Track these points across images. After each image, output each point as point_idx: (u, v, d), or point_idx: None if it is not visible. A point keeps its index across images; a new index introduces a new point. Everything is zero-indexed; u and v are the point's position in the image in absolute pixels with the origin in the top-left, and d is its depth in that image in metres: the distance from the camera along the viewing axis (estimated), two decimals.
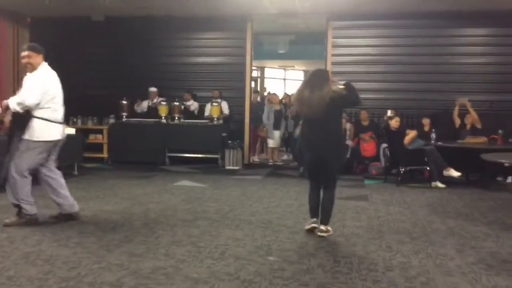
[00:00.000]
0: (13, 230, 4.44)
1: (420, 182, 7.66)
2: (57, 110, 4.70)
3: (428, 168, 7.47)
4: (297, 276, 3.39)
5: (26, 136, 4.49)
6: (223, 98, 10.01)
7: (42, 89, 4.49)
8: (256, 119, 10.74)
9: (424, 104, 9.27)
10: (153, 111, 9.90)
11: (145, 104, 10.10)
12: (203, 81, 10.35)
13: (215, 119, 9.55)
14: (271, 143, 10.17)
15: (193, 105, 10.02)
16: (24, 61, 4.60)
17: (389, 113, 8.88)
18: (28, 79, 4.57)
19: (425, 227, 4.89)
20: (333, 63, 9.79)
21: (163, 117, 9.64)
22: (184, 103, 9.94)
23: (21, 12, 10.33)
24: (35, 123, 4.50)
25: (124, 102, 9.89)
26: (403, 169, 7.52)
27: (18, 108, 4.43)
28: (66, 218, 4.79)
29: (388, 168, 8.06)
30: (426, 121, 8.49)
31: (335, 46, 9.82)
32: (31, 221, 4.61)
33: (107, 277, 3.26)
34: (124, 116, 9.89)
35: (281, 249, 4.03)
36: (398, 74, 9.64)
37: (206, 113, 9.86)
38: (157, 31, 10.42)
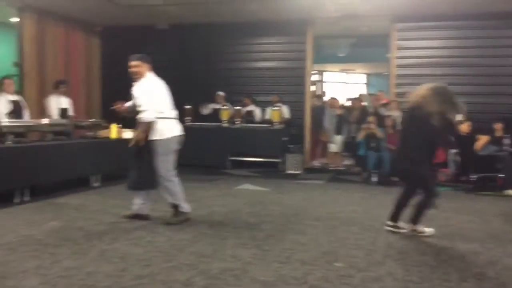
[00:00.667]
0: (90, 229, 4.67)
1: (492, 190, 7.29)
2: (171, 110, 5.02)
3: (501, 175, 7.09)
4: (366, 284, 3.32)
5: (156, 137, 4.80)
6: (283, 102, 10.04)
7: (149, 95, 4.80)
8: (316, 124, 10.66)
9: (495, 108, 8.83)
10: (215, 115, 10.10)
11: (211, 106, 10.29)
12: (264, 85, 10.44)
13: (276, 123, 9.58)
14: (332, 147, 10.07)
15: (255, 111, 10.11)
16: (133, 70, 4.92)
17: (457, 117, 8.54)
18: (137, 88, 4.89)
19: (500, 237, 4.65)
20: (397, 66, 9.56)
21: (225, 121, 9.80)
22: (244, 108, 10.07)
23: (92, 21, 10.89)
24: (158, 124, 4.80)
25: (188, 107, 10.15)
26: (474, 176, 7.19)
27: (152, 117, 4.74)
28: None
29: (457, 175, 7.74)
30: (498, 126, 8.06)
31: (399, 48, 9.59)
32: (186, 219, 4.98)
33: (178, 276, 3.36)
34: (187, 121, 10.14)
35: (348, 255, 3.97)
36: (466, 76, 9.25)
37: (266, 117, 9.96)
38: (219, 37, 10.63)
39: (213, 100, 10.31)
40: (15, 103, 7.27)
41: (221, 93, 10.23)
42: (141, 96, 4.82)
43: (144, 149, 4.81)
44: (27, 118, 7.26)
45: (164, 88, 5.04)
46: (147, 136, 4.79)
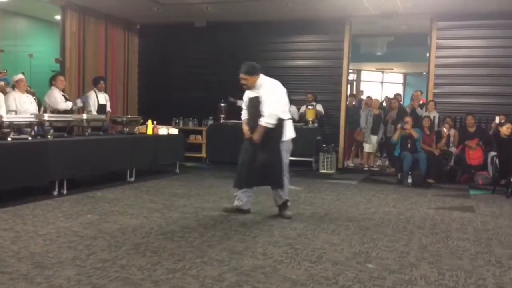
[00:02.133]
0: (125, 222, 4.78)
1: None
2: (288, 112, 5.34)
3: None
4: (398, 286, 3.26)
5: (283, 138, 5.09)
6: (318, 101, 9.98)
7: (276, 100, 5.04)
8: (352, 123, 10.55)
9: None
10: None
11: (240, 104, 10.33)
12: (300, 84, 10.39)
13: (310, 122, 9.53)
14: (367, 147, 9.93)
15: (291, 110, 10.07)
16: (242, 82, 5.17)
17: (497, 119, 8.29)
18: (265, 95, 5.06)
19: None
20: (437, 66, 9.35)
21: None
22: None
23: (131, 19, 11.12)
24: (284, 126, 5.11)
25: (222, 104, 10.24)
26: None
27: (274, 122, 4.97)
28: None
29: (496, 178, 7.49)
30: None
31: (439, 47, 9.37)
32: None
33: (210, 272, 3.39)
34: (222, 118, 10.23)
35: (380, 257, 3.91)
36: (508, 77, 8.96)
37: (294, 116, 9.94)
38: (255, 35, 10.66)
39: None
40: (66, 99, 7.59)
41: None
42: (269, 102, 5.00)
43: (260, 148, 5.01)
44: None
45: (283, 90, 5.24)
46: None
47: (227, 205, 5.46)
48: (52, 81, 7.57)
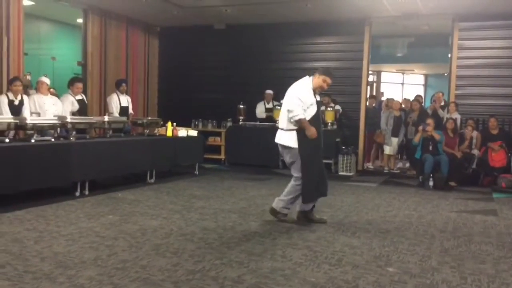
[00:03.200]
0: (145, 223, 4.83)
1: None
2: None
3: None
4: None
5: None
6: (336, 102, 9.95)
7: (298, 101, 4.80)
8: (372, 125, 10.46)
9: None
10: (268, 115, 10.16)
11: (261, 108, 10.37)
12: None
13: (329, 124, 9.48)
14: (387, 150, 9.83)
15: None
16: (326, 88, 4.95)
17: None
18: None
19: None
20: (459, 67, 9.22)
21: (277, 121, 9.80)
22: None
23: (151, 22, 11.24)
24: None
25: (241, 106, 10.26)
26: None
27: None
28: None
29: None
30: None
31: (461, 48, 9.23)
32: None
33: (229, 273, 3.40)
34: (240, 120, 10.26)
35: (401, 260, 3.87)
36: None
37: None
38: (275, 37, 10.66)
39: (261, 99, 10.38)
40: (82, 102, 7.67)
41: (269, 92, 10.27)
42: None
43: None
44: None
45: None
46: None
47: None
48: (69, 85, 7.68)
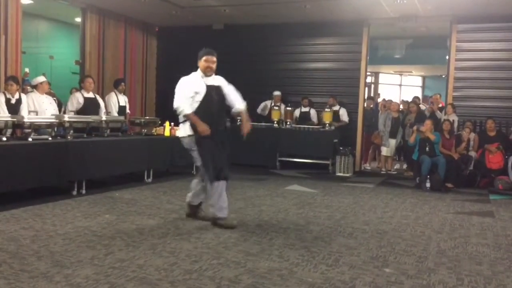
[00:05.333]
0: (142, 222, 4.83)
1: None
2: None
3: None
4: None
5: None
6: (341, 104, 9.95)
7: None
8: (369, 126, 10.48)
9: None
10: (267, 115, 10.17)
11: (268, 104, 10.36)
12: (317, 86, 10.39)
13: (327, 124, 9.49)
14: (384, 151, 9.85)
15: (311, 113, 10.07)
16: (212, 65, 4.85)
17: None
18: (225, 83, 4.96)
19: None
20: (457, 69, 9.24)
21: (275, 122, 9.82)
22: (298, 109, 10.07)
23: (150, 22, 11.23)
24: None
25: None
26: None
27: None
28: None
29: None
30: None
31: (459, 50, 9.26)
32: None
33: (226, 273, 3.40)
34: (238, 120, 10.23)
35: (398, 261, 3.87)
36: None
37: (314, 119, 9.94)
38: (273, 37, 10.66)
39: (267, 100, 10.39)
40: (92, 100, 7.60)
41: (277, 93, 10.25)
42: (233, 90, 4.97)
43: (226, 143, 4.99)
44: (102, 114, 7.57)
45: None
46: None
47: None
48: (80, 82, 7.75)
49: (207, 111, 4.68)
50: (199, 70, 4.87)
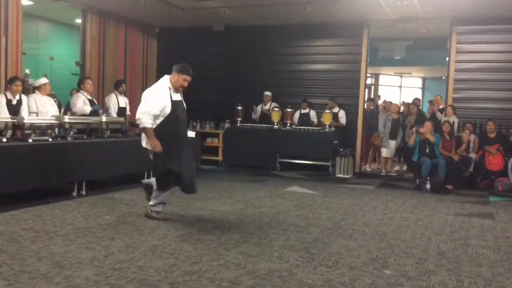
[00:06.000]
0: (142, 223, 4.83)
1: None
2: None
3: None
4: None
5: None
6: (341, 107, 9.96)
7: None
8: (369, 128, 10.49)
9: None
10: (265, 116, 10.16)
11: (259, 109, 10.40)
12: (318, 88, 10.40)
13: (327, 126, 9.49)
14: (384, 152, 9.84)
15: (311, 114, 10.09)
16: (186, 86, 4.91)
17: None
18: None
19: None
20: (457, 70, 9.25)
21: (275, 123, 9.83)
22: (297, 111, 10.08)
23: (150, 23, 11.24)
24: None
25: (239, 107, 10.27)
26: None
27: None
28: None
29: None
30: None
31: (459, 52, 9.27)
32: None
33: (226, 274, 3.40)
34: (238, 121, 10.26)
35: (397, 263, 3.87)
36: None
37: (314, 119, 9.95)
38: (273, 39, 10.67)
39: (260, 102, 10.39)
40: (91, 102, 7.65)
41: (268, 93, 10.30)
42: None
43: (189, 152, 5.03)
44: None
45: None
46: None
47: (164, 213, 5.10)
48: (80, 84, 7.72)
49: (173, 126, 4.78)
50: (168, 82, 4.86)
